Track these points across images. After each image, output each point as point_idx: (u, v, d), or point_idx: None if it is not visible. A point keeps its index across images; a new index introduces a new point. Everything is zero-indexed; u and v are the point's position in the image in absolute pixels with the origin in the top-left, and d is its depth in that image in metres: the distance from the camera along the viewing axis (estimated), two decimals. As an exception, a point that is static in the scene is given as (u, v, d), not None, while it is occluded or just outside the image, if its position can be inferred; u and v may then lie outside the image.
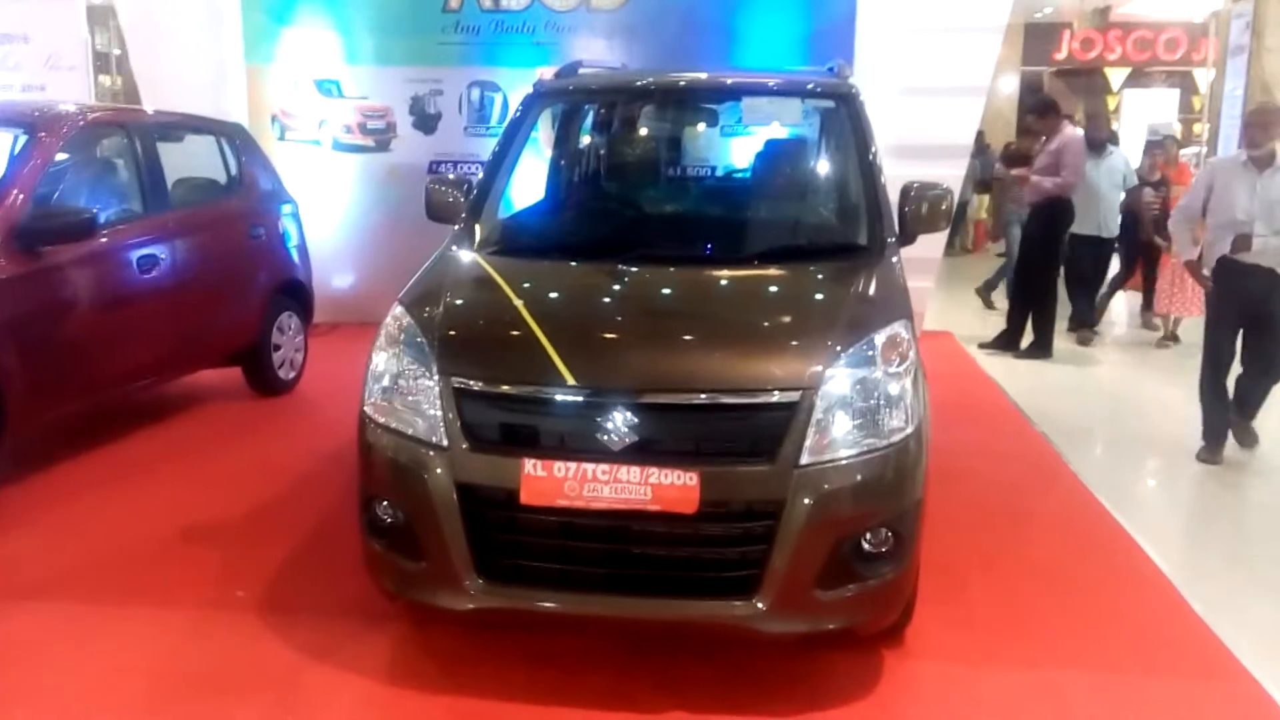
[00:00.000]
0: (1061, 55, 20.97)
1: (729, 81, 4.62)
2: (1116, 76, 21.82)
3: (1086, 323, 8.84)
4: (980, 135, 12.16)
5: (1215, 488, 5.13)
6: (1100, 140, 8.36)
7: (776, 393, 2.74)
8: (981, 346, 8.16)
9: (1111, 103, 22.30)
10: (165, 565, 3.88)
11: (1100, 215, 8.36)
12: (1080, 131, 8.72)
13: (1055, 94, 20.53)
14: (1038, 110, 8.33)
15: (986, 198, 15.89)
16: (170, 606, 3.53)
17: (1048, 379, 7.53)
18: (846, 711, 2.92)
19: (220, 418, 5.92)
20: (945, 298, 9.51)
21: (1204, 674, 3.22)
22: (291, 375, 6.52)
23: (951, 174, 7.96)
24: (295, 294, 6.59)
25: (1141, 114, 19.60)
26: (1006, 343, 8.15)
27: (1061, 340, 8.35)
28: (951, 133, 8.00)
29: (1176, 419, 5.96)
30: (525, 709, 2.91)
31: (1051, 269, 8.11)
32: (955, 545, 3.91)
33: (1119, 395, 7.35)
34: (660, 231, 3.95)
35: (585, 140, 4.97)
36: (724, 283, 3.38)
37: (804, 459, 2.70)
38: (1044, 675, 3.16)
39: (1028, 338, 8.10)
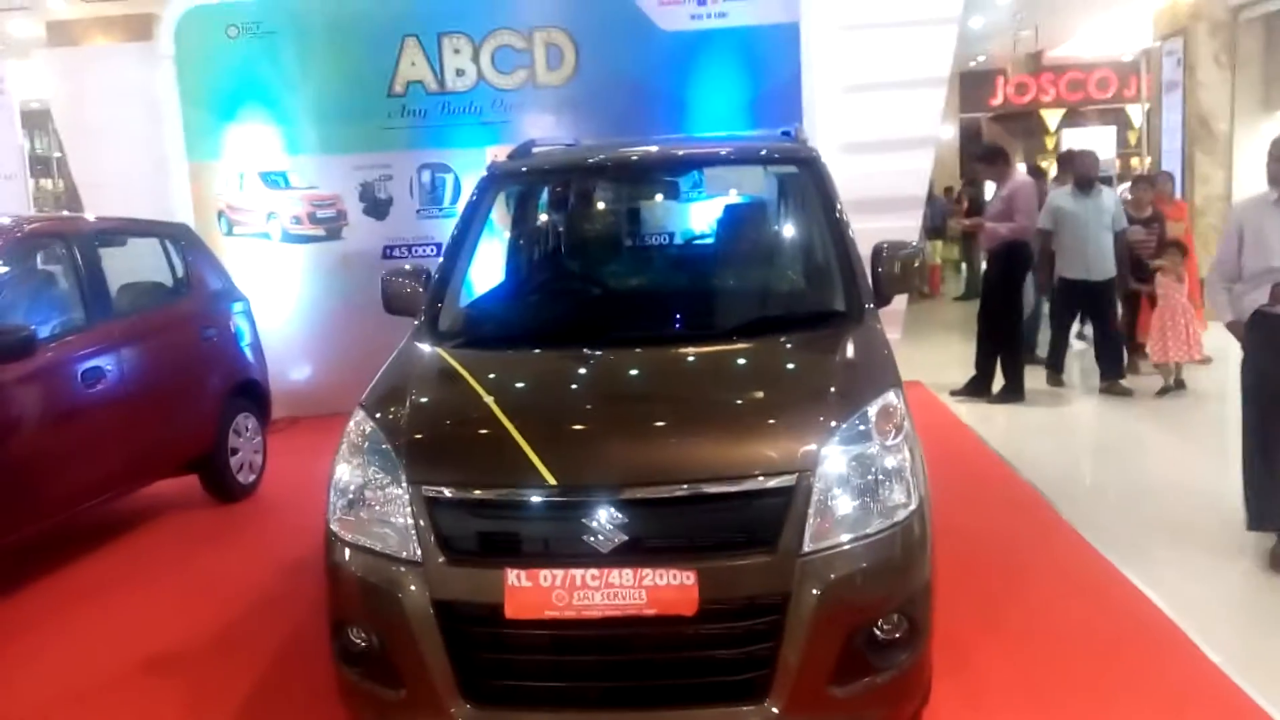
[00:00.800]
0: (997, 100, 21.49)
1: (688, 152, 4.53)
2: (1053, 117, 22.36)
3: (1109, 372, 8.10)
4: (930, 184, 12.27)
5: (1220, 528, 5.01)
6: (1089, 179, 7.97)
7: (772, 477, 2.58)
8: (953, 394, 8.08)
9: (1049, 143, 22.80)
10: (127, 702, 3.61)
11: (1088, 257, 7.89)
12: (1027, 176, 8.85)
13: (994, 138, 20.99)
14: (986, 158, 8.39)
15: (940, 243, 16.07)
16: (131, 754, 3.26)
17: (1024, 422, 7.45)
18: (873, 814, 2.71)
19: (178, 530, 5.64)
20: (910, 345, 9.45)
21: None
22: (251, 478, 6.26)
23: (908, 225, 8.01)
24: (251, 394, 6.36)
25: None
26: (978, 388, 8.09)
27: (1036, 382, 8.29)
28: (904, 185, 8.04)
29: (1161, 457, 5.88)
30: (525, 841, 2.67)
31: (1015, 312, 8.10)
32: (955, 607, 3.73)
33: (1101, 437, 7.26)
34: (632, 311, 3.80)
35: (544, 220, 4.84)
36: (703, 362, 3.23)
37: (806, 546, 2.53)
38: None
39: (999, 382, 8.04)
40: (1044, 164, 22.10)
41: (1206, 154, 11.60)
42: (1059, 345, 8.49)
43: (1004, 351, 7.99)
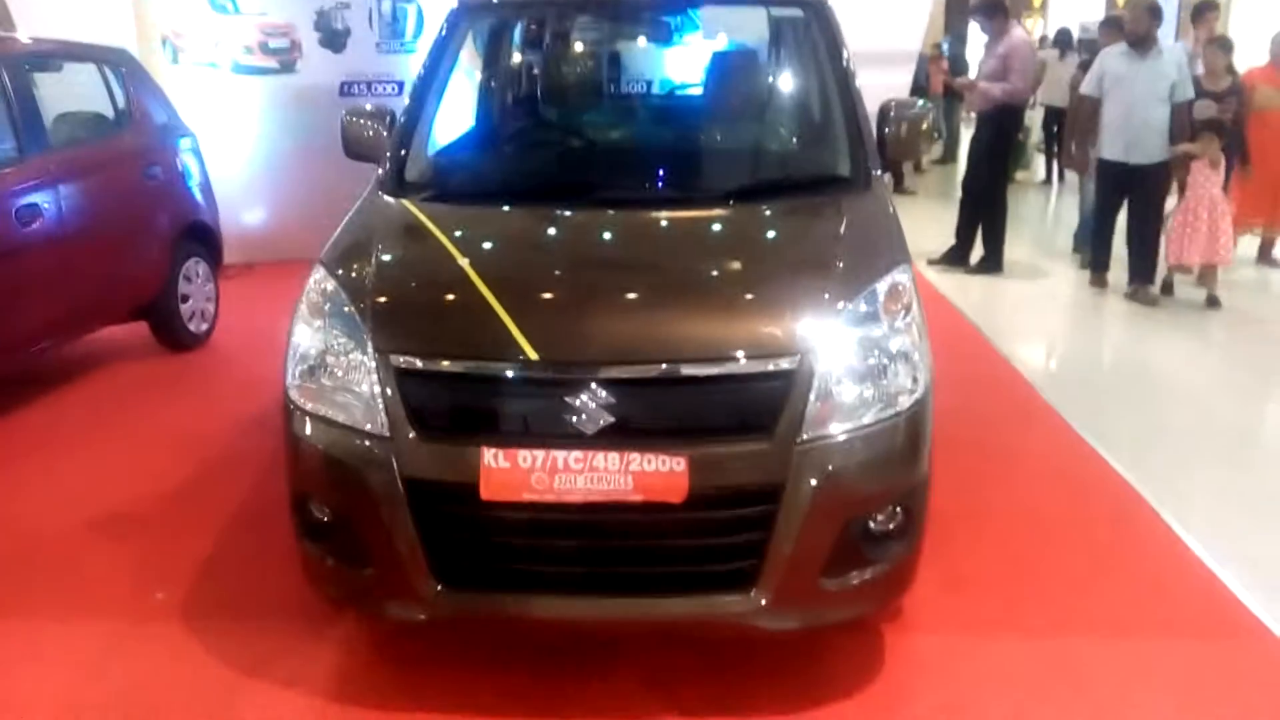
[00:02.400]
0: (987, -49, 20.54)
1: None
2: (1042, -28, 21.54)
3: (1139, 275, 6.89)
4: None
5: (1198, 411, 4.96)
6: (1146, 36, 6.54)
7: (772, 359, 2.38)
8: (931, 263, 7.91)
9: (1038, 1, 22.06)
10: (72, 567, 3.43)
11: (1130, 134, 6.60)
12: (1025, 34, 8.42)
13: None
14: (985, 10, 7.95)
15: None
16: (80, 618, 3.10)
17: (1002, 295, 7.33)
18: (857, 701, 2.66)
19: (127, 381, 5.39)
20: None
21: (1219, 630, 3.03)
22: (204, 327, 5.99)
23: (899, 81, 7.65)
24: (201, 237, 6.02)
25: (1069, 10, 19.36)
26: (956, 258, 7.92)
27: (1032, 259, 8.11)
28: (897, 38, 7.64)
29: (1134, 329, 5.78)
30: (498, 722, 2.59)
31: (1000, 179, 7.86)
32: (935, 490, 3.66)
33: (1084, 315, 7.15)
34: (620, 169, 3.50)
35: (521, 61, 4.46)
36: (700, 228, 2.98)
37: (805, 434, 2.36)
38: (1052, 643, 2.93)
39: (977, 252, 7.88)
40: (1030, 24, 21.46)
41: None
42: (1101, 240, 7.18)
43: (986, 220, 7.79)
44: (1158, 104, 6.56)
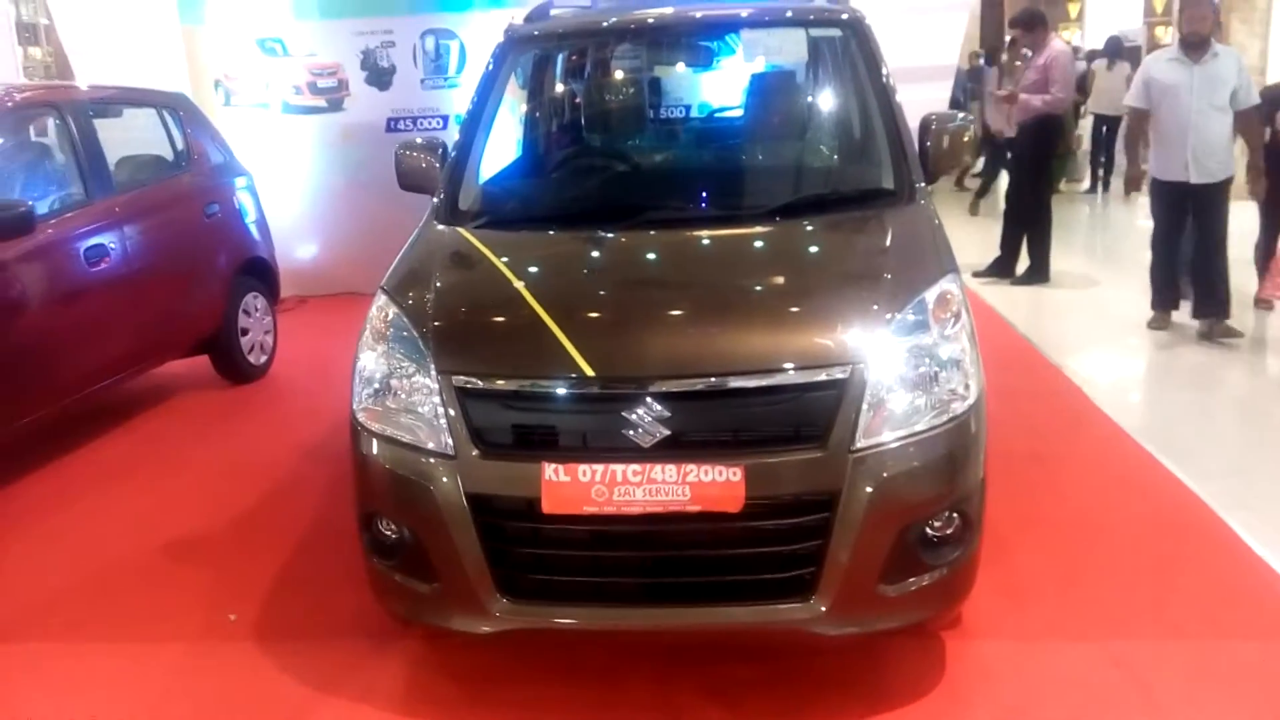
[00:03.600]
0: (1022, -36, 20.50)
1: (723, 14, 4.21)
2: (1078, -18, 21.41)
3: (1210, 310, 6.02)
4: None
5: (1260, 415, 4.90)
6: (1200, 37, 5.73)
7: (824, 369, 2.43)
8: (976, 275, 7.88)
9: (1073, 9, 21.92)
10: (147, 590, 3.55)
11: (1191, 150, 5.75)
12: (1065, 45, 8.40)
13: (1017, 4, 20.11)
14: (1025, 23, 7.94)
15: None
16: (157, 639, 3.21)
17: (1050, 305, 7.28)
18: (917, 708, 2.67)
19: (192, 412, 5.55)
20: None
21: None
22: (263, 359, 6.14)
23: (938, 95, 7.65)
24: (259, 273, 6.19)
25: (1106, 19, 19.23)
26: (1002, 269, 7.90)
27: (1080, 268, 8.02)
28: (936, 52, 7.65)
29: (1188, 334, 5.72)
30: (563, 732, 2.64)
31: (1043, 189, 7.85)
32: (992, 500, 3.66)
33: (1134, 322, 7.07)
34: (666, 189, 3.58)
35: (565, 90, 4.57)
36: (747, 245, 3.04)
37: (859, 442, 2.40)
38: (1111, 647, 2.92)
39: (1023, 263, 7.85)
40: (1066, 35, 21.31)
41: (1243, 22, 11.09)
42: (1163, 272, 6.25)
43: (1031, 230, 7.77)
44: (1216, 114, 5.73)
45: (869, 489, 2.39)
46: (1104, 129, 12.58)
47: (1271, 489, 4.04)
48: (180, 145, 5.78)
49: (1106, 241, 9.62)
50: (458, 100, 7.71)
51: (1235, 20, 11.10)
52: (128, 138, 5.73)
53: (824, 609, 2.43)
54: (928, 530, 2.50)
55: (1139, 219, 9.42)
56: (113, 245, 4.90)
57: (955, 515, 2.53)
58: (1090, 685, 2.76)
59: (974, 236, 9.78)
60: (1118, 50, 11.67)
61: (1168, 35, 13.94)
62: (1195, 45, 5.76)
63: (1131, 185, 6.50)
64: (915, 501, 2.46)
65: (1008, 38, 10.75)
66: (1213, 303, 6.00)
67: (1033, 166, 7.71)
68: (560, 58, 4.49)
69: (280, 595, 3.44)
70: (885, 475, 2.40)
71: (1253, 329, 6.27)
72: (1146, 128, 6.08)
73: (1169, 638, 2.96)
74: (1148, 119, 6.02)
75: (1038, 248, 7.75)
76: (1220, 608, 3.13)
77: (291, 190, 7.97)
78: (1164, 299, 6.30)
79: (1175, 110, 5.78)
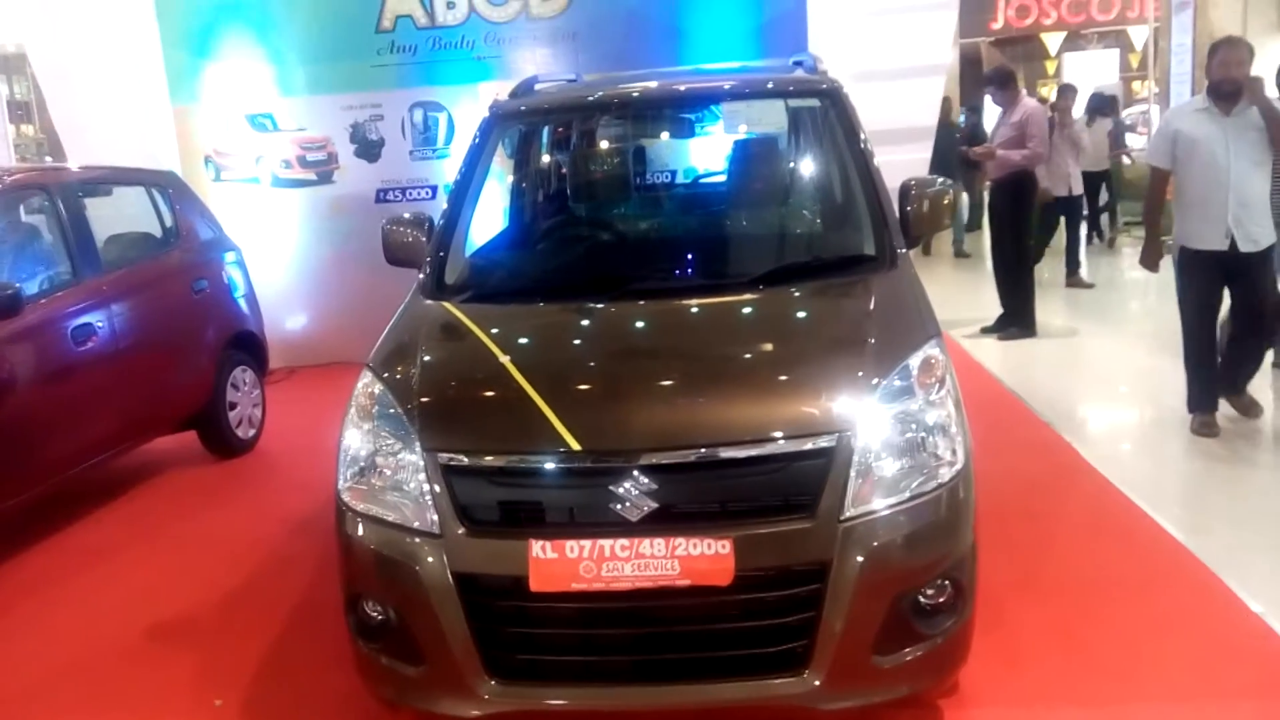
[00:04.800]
0: (998, 25, 20.98)
1: (706, 86, 4.28)
2: (1053, 42, 21.89)
3: (1234, 384, 5.32)
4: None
5: (1248, 468, 4.89)
6: (1232, 84, 4.89)
7: (811, 438, 2.42)
8: (985, 331, 7.93)
9: (1050, 67, 22.37)
10: (132, 674, 3.49)
11: (1230, 215, 4.92)
12: (1037, 102, 8.62)
13: (994, 64, 20.53)
14: (998, 80, 8.08)
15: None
16: (141, 726, 3.15)
17: (1036, 359, 7.31)
18: (915, 782, 2.63)
19: (179, 489, 5.51)
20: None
21: (1283, 690, 2.97)
22: (251, 433, 6.12)
23: (918, 157, 7.77)
24: (247, 346, 6.19)
25: (1083, 76, 19.63)
26: (1008, 324, 7.93)
27: (1067, 320, 8.06)
28: (914, 115, 7.79)
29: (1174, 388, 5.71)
30: (556, 816, 2.58)
31: (1025, 242, 7.94)
32: (983, 559, 3.63)
33: (1116, 371, 7.10)
34: (652, 259, 3.61)
35: (550, 162, 4.62)
36: (730, 314, 3.06)
37: (848, 511, 2.39)
38: (1111, 712, 2.88)
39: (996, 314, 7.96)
40: (1044, 91, 21.70)
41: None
42: (1202, 362, 5.20)
43: (1014, 284, 7.85)
44: (1257, 170, 4.95)
45: (860, 558, 2.37)
46: (1092, 185, 12.70)
47: (1262, 542, 4.02)
48: (169, 222, 5.81)
49: (1091, 293, 9.68)
50: (448, 170, 7.80)
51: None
52: (117, 215, 5.77)
53: (818, 683, 2.39)
54: (920, 599, 2.48)
55: (1124, 268, 9.53)
56: (100, 324, 4.91)
57: (947, 582, 2.51)
58: (1092, 754, 2.72)
59: (956, 290, 9.86)
60: (1100, 107, 11.83)
61: (1144, 89, 14.20)
62: (1228, 95, 4.90)
63: (1151, 260, 5.37)
64: (907, 570, 2.44)
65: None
66: (1237, 376, 5.31)
67: (1013, 222, 7.80)
68: (545, 131, 4.55)
69: (266, 678, 3.38)
70: (876, 544, 2.39)
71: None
72: (1163, 193, 5.25)
73: (1169, 701, 2.93)
74: (1166, 182, 5.20)
75: (1023, 302, 7.81)
76: (1217, 667, 3.09)
77: (281, 262, 8.01)
78: (1208, 396, 5.19)
79: (1209, 169, 4.93)
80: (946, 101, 11.18)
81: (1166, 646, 3.22)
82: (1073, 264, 10.00)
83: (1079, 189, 10.01)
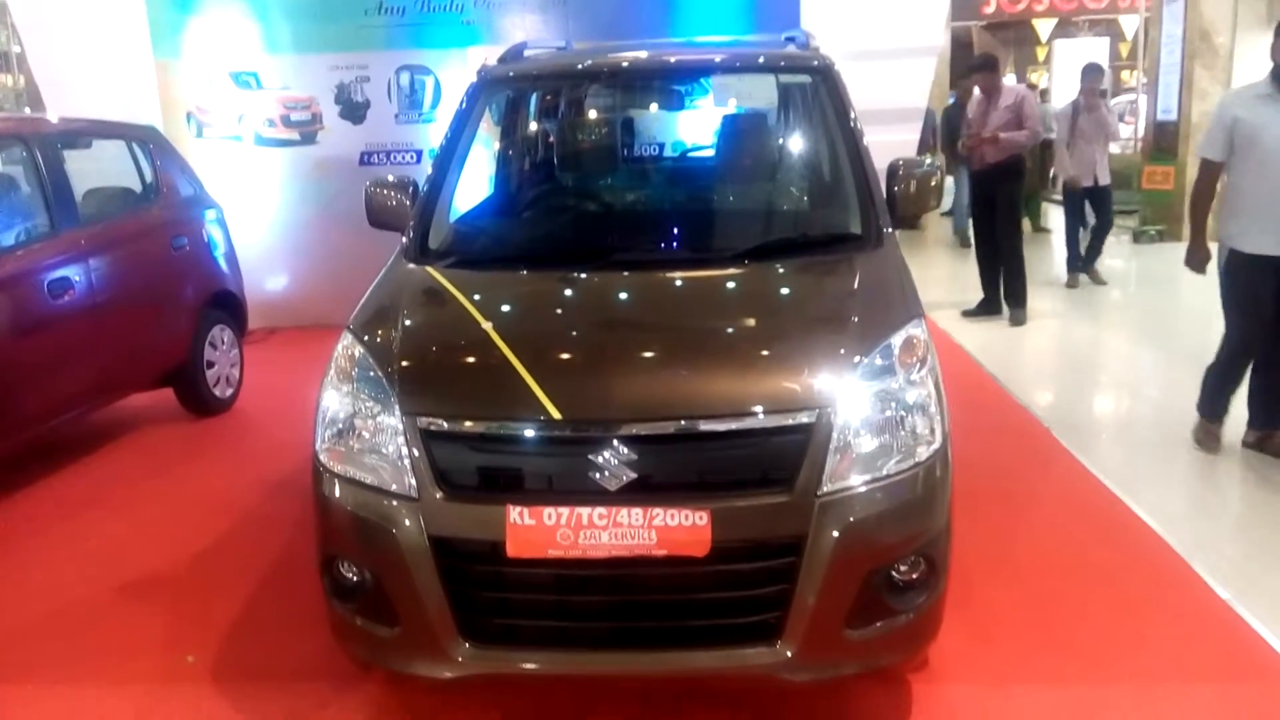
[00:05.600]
0: (990, 9, 20.94)
1: (698, 59, 4.25)
2: (1044, 28, 21.88)
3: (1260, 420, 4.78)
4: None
5: (1223, 458, 4.93)
6: None
7: (791, 414, 2.43)
8: (966, 314, 8.01)
9: (1040, 54, 22.37)
10: (105, 630, 3.48)
11: None
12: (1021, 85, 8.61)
13: (985, 49, 20.49)
14: (986, 66, 8.05)
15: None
16: (114, 681, 3.14)
17: (1017, 343, 7.35)
18: (882, 755, 2.66)
19: (155, 446, 5.47)
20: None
21: (1247, 674, 3.02)
22: (229, 392, 6.08)
23: (906, 139, 7.76)
24: (226, 305, 6.14)
25: (1073, 63, 19.65)
26: (990, 307, 7.98)
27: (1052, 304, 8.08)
28: (904, 96, 7.76)
29: (1165, 382, 5.80)
30: (525, 780, 2.60)
31: (1019, 226, 7.97)
32: (959, 539, 3.67)
33: (1096, 358, 7.16)
34: (638, 230, 3.60)
35: (538, 130, 4.58)
36: (715, 288, 3.05)
37: (825, 486, 2.40)
38: (1078, 692, 2.93)
39: (978, 294, 8.01)
40: (1035, 78, 21.70)
41: (1206, 69, 11.34)
42: (1230, 373, 4.76)
43: (1012, 267, 7.80)
44: None
45: (835, 533, 2.38)
46: None
47: (1232, 530, 4.07)
48: (149, 178, 5.75)
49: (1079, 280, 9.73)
50: (433, 135, 7.74)
51: (1198, 66, 11.35)
52: (96, 169, 5.70)
53: (790, 654, 2.41)
54: (893, 575, 2.50)
55: (1105, 257, 9.57)
56: (77, 278, 4.85)
57: (921, 560, 2.53)
58: (1056, 730, 2.76)
59: (938, 274, 9.89)
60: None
61: (1133, 79, 14.21)
62: None
63: (1197, 262, 4.77)
64: (881, 546, 2.46)
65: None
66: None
67: (1011, 205, 7.75)
68: (533, 98, 4.51)
69: (240, 636, 3.38)
70: (851, 520, 2.40)
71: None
72: (1212, 189, 4.71)
73: (1134, 681, 2.97)
74: (1219, 174, 4.64)
75: (1020, 283, 7.77)
76: (1185, 652, 3.14)
77: (262, 222, 7.95)
78: (1222, 404, 4.82)
79: (1270, 162, 4.38)
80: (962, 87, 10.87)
81: (1134, 628, 3.27)
82: (1092, 257, 9.25)
83: (1107, 178, 9.13)
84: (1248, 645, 3.16)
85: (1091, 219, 9.41)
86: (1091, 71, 9.26)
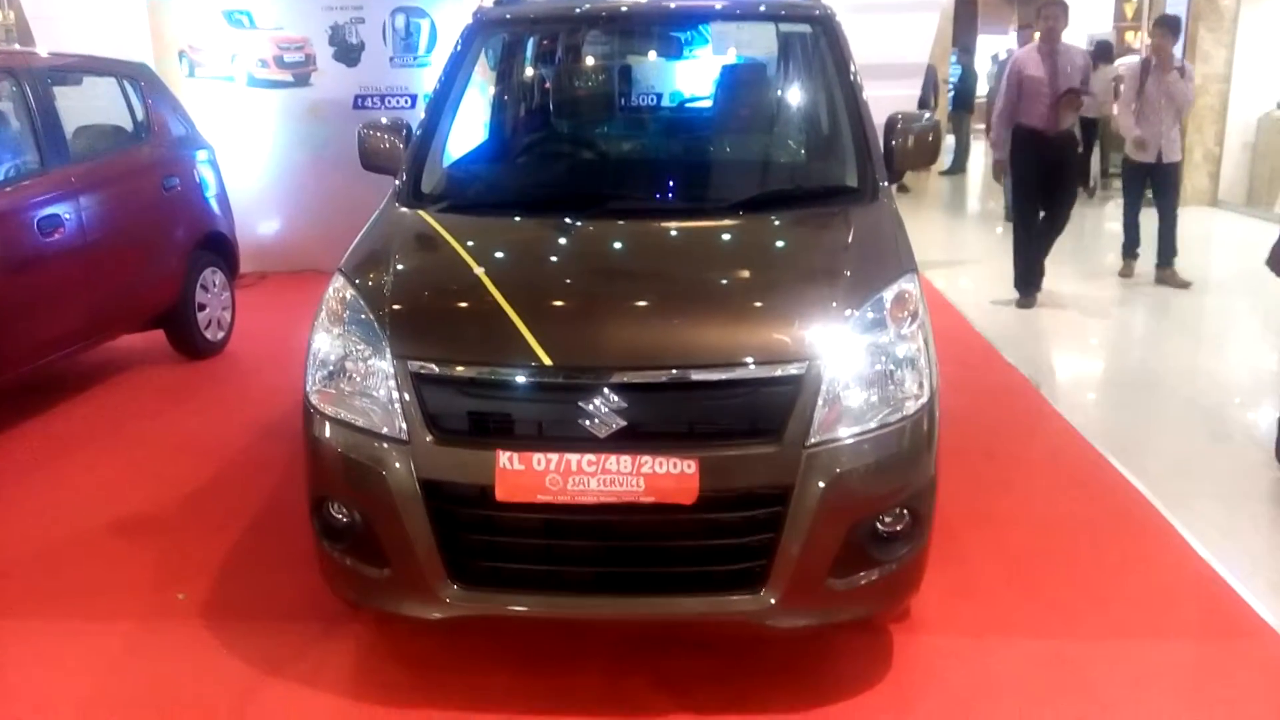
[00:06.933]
0: (995, -36, 20.65)
1: (696, 4, 4.21)
2: (1049, -15, 21.55)
3: None
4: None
5: (1212, 421, 4.98)
6: None
7: (781, 365, 2.44)
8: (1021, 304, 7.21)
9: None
10: (94, 567, 3.50)
11: None
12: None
13: (988, 7, 20.23)
14: (1170, 28, 7.50)
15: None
16: (103, 617, 3.17)
17: (1010, 303, 7.35)
18: (864, 700, 2.70)
19: (145, 388, 5.47)
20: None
21: (1226, 633, 3.06)
22: (220, 335, 6.07)
23: (906, 94, 7.71)
24: (218, 248, 6.11)
25: (1077, 21, 19.43)
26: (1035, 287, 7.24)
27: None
28: (905, 51, 7.70)
29: (1160, 349, 5.81)
30: (511, 720, 2.64)
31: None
32: (944, 496, 3.69)
33: (1091, 318, 7.14)
34: (633, 179, 3.58)
35: (534, 75, 4.54)
36: (709, 238, 3.04)
37: (813, 438, 2.41)
38: (1057, 645, 2.97)
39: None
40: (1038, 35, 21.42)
41: (1210, 30, 11.25)
42: None
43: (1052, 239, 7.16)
44: None
45: (821, 484, 2.40)
46: (1088, 132, 12.52)
47: (1217, 491, 4.11)
48: (140, 116, 5.68)
49: (1068, 243, 9.70)
50: (427, 79, 7.64)
51: (1203, 29, 11.26)
52: (87, 107, 5.63)
53: (773, 601, 2.44)
54: (878, 526, 2.53)
55: (1105, 219, 9.54)
56: (67, 215, 4.82)
57: (906, 512, 2.56)
58: (1035, 682, 2.81)
59: (936, 234, 9.84)
60: (1104, 54, 11.67)
61: (1137, 40, 14.07)
62: None
63: None
64: (867, 498, 2.48)
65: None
66: None
67: (1078, 173, 7.26)
68: (530, 42, 4.47)
69: (230, 575, 3.41)
70: (838, 471, 2.42)
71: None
72: None
73: (1113, 637, 3.01)
74: None
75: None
76: (1163, 608, 3.19)
77: (255, 164, 7.88)
78: None
79: None
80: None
81: (1115, 586, 3.31)
82: (1167, 254, 7.72)
83: (1176, 154, 7.63)
84: (1226, 604, 3.20)
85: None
86: (1165, 26, 7.69)
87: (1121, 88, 8.11)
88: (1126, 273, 8.05)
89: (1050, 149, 6.85)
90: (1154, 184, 7.76)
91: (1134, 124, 7.58)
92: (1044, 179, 6.94)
